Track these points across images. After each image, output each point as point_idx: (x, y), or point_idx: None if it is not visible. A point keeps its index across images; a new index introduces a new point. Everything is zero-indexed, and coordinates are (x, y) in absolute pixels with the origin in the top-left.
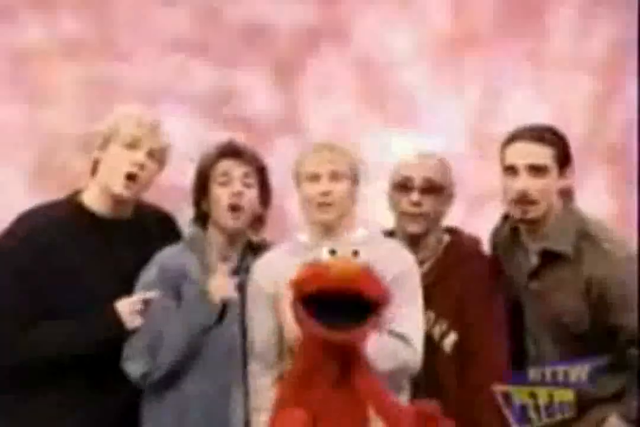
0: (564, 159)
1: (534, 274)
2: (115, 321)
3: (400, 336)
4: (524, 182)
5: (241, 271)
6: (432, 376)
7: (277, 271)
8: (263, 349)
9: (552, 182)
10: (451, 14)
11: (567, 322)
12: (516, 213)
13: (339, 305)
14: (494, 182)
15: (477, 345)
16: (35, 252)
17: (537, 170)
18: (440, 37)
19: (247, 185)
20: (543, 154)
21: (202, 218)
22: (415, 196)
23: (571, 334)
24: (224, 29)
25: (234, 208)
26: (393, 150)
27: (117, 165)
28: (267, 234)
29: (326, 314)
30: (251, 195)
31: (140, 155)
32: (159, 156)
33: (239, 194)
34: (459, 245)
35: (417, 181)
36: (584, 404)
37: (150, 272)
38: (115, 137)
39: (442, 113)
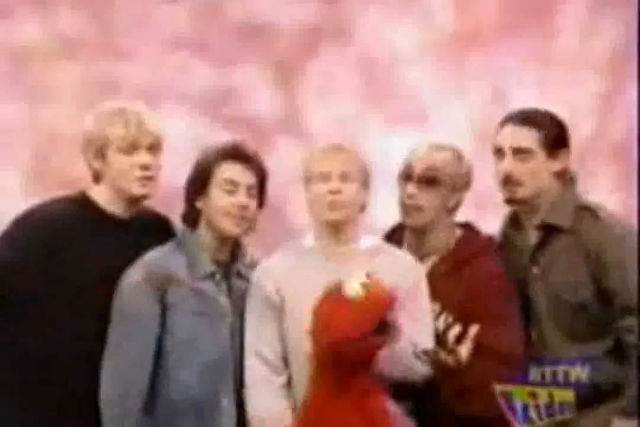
0: (554, 142)
1: (535, 254)
2: None
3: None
4: (508, 165)
5: (232, 275)
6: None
7: (281, 275)
8: (270, 355)
9: (538, 165)
10: (455, 12)
11: (568, 299)
12: (504, 194)
13: None
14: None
15: (492, 339)
16: (42, 242)
17: (521, 152)
18: (444, 36)
19: (251, 196)
20: (528, 137)
21: (194, 216)
22: (411, 187)
23: (574, 312)
24: (224, 27)
25: (239, 219)
26: (396, 151)
27: (125, 173)
28: (266, 237)
29: None
30: (254, 205)
31: (143, 157)
32: (158, 146)
33: (245, 208)
34: (472, 240)
35: (417, 172)
36: (586, 398)
37: (134, 273)
38: (108, 145)
39: (446, 113)
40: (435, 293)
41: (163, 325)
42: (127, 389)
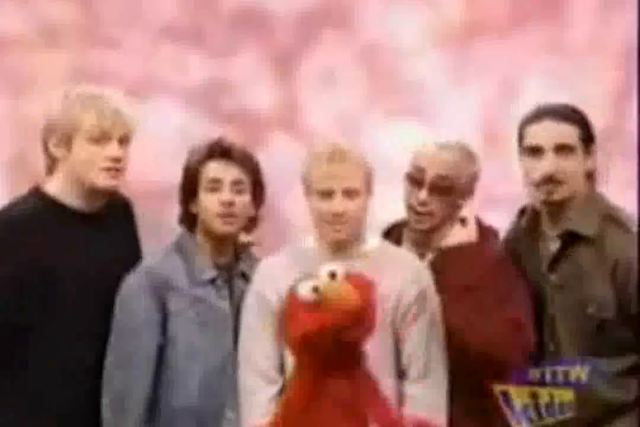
0: (588, 138)
1: (554, 262)
2: None
3: (431, 371)
4: (552, 163)
5: (235, 277)
6: None
7: (279, 280)
8: (264, 363)
9: (579, 162)
10: (464, 0)
11: (591, 312)
12: (540, 195)
13: None
14: (505, 181)
15: (507, 314)
16: (3, 250)
17: (564, 149)
18: (452, 24)
19: (239, 192)
20: (570, 133)
21: (190, 220)
22: (423, 194)
23: (594, 326)
24: (219, 15)
25: (226, 217)
26: (400, 147)
27: (91, 163)
28: (261, 235)
29: None
30: (243, 201)
31: (113, 149)
32: (129, 139)
33: (230, 204)
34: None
35: (429, 177)
36: (611, 408)
37: (133, 280)
38: (78, 133)
39: (453, 107)
40: (439, 285)
41: (164, 334)
42: (127, 398)
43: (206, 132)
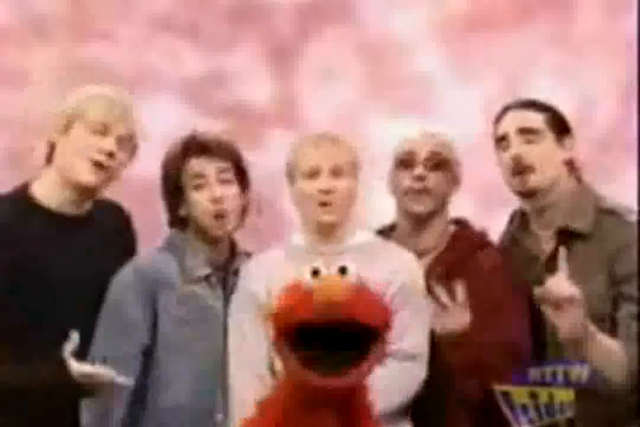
0: (559, 127)
1: (550, 261)
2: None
3: (411, 356)
4: (516, 145)
5: (230, 275)
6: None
7: (269, 276)
8: (256, 362)
9: (549, 148)
10: None
11: (597, 312)
12: (516, 185)
13: (333, 333)
14: None
15: (500, 333)
16: None
17: (529, 133)
18: (455, 18)
19: (225, 182)
20: (535, 118)
21: (180, 222)
22: (419, 170)
23: (600, 327)
24: (215, 7)
25: (219, 215)
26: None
27: (82, 152)
28: (258, 232)
29: (317, 345)
30: (232, 192)
31: (109, 143)
32: (128, 144)
33: (220, 200)
34: (466, 236)
35: (422, 154)
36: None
37: (124, 275)
38: (80, 120)
39: (456, 101)
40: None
41: (154, 331)
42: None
43: (203, 127)
